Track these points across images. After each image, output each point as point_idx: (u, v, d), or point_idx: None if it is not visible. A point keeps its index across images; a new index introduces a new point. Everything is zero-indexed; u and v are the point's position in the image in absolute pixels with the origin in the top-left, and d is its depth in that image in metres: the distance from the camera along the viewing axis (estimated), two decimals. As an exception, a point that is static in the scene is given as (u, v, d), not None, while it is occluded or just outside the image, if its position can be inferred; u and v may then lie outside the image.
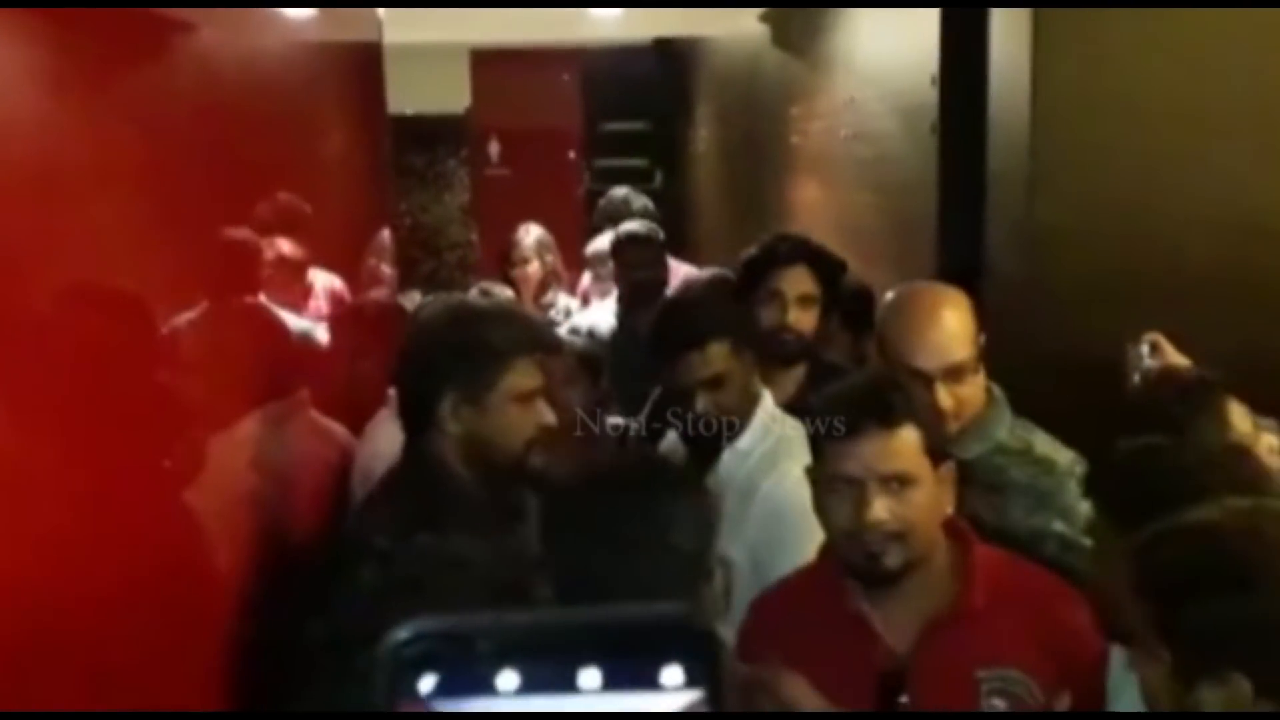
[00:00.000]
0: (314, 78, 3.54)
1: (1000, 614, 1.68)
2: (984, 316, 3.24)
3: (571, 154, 9.65)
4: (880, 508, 1.65)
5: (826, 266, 2.85)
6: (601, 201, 5.48)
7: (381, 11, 4.23)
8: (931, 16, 3.50)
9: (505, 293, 4.04)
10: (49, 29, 1.58)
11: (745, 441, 2.37)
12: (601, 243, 4.60)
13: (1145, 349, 2.41)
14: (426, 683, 0.54)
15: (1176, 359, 2.36)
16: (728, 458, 2.36)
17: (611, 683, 0.54)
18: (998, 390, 2.26)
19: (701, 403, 2.33)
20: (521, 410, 2.00)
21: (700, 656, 0.55)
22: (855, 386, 1.81)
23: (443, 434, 1.97)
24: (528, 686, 0.54)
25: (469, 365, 1.97)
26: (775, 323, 2.73)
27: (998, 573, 1.72)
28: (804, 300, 2.76)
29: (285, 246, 3.03)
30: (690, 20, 6.49)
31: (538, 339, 2.10)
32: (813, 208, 5.14)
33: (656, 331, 2.44)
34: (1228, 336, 2.72)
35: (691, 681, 0.55)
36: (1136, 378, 2.38)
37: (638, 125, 8.97)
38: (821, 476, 1.73)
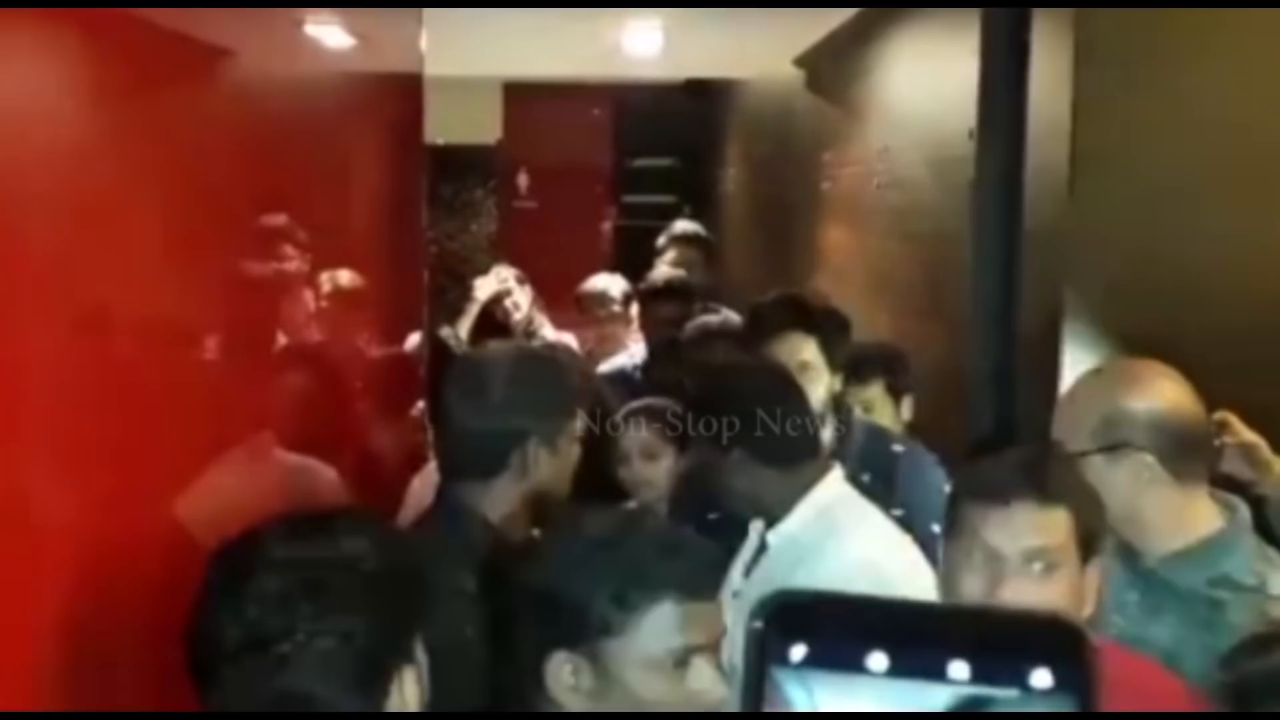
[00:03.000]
0: (353, 108, 3.57)
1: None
2: (1018, 371, 3.28)
3: (599, 189, 9.69)
4: (1016, 588, 1.51)
5: (822, 328, 2.72)
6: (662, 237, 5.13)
7: (423, 43, 4.27)
8: (970, 68, 3.50)
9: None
10: (84, 52, 1.58)
11: (791, 525, 2.14)
12: (600, 281, 4.42)
13: (1214, 429, 2.25)
14: (797, 651, 0.55)
15: (1250, 436, 2.25)
16: (772, 542, 2.15)
17: (980, 677, 0.54)
18: (1242, 508, 1.93)
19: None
20: (571, 454, 2.02)
21: (1072, 661, 0.54)
22: (1011, 455, 1.65)
23: (517, 480, 1.94)
24: (896, 669, 0.54)
25: (552, 411, 1.97)
26: None
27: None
28: (802, 368, 2.61)
29: (344, 278, 3.02)
30: (726, 61, 6.53)
31: (588, 387, 2.15)
32: (842, 254, 5.13)
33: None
34: (1263, 387, 2.71)
35: (1060, 685, 0.54)
36: None
37: (667, 162, 9.01)
38: (958, 544, 1.59)
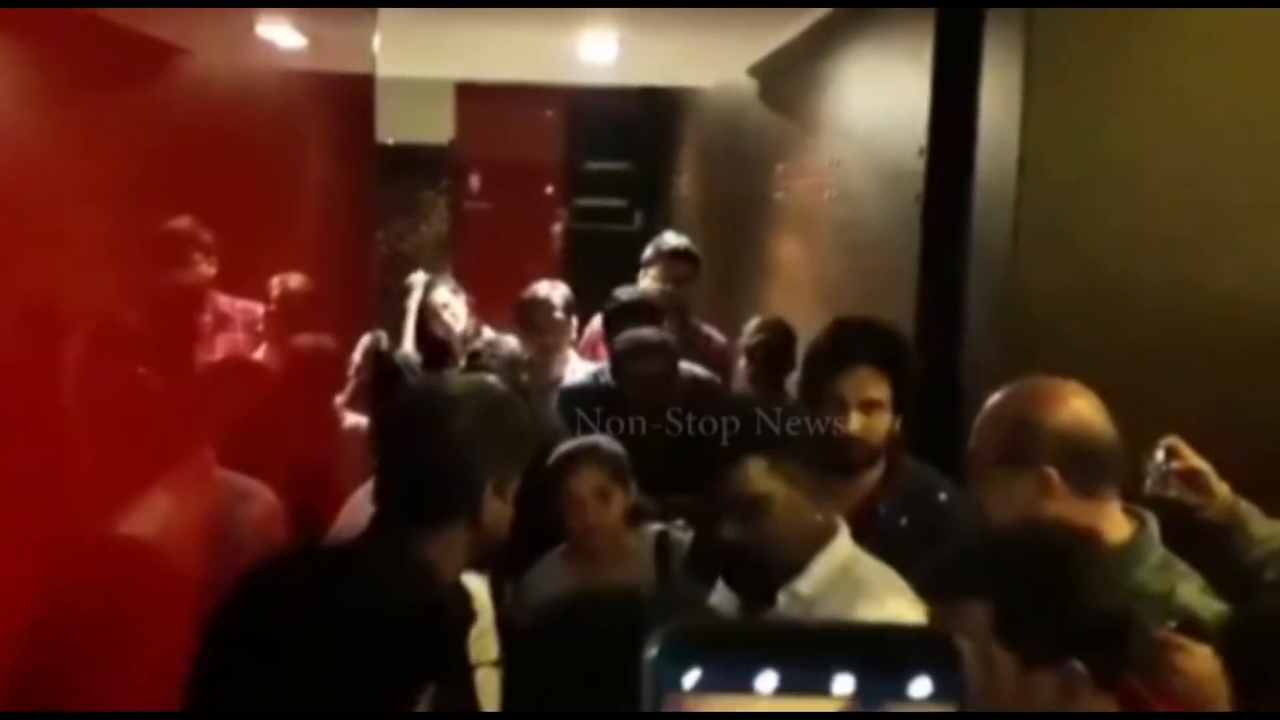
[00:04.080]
0: (303, 107, 3.54)
1: None
2: (962, 388, 3.32)
3: (551, 190, 9.69)
4: None
5: (899, 365, 2.49)
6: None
7: (376, 43, 4.24)
8: (922, 86, 3.55)
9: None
10: (31, 45, 1.55)
11: (806, 585, 1.95)
12: (542, 289, 4.22)
13: (1161, 455, 2.31)
14: (690, 678, 0.58)
15: (1196, 463, 2.28)
16: (783, 603, 1.94)
17: (864, 689, 0.58)
18: (1150, 518, 1.96)
19: (730, 528, 1.95)
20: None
21: (949, 670, 0.58)
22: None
23: (467, 528, 1.82)
24: (784, 688, 0.58)
25: (510, 457, 1.85)
26: (836, 430, 2.39)
27: None
28: (868, 406, 2.42)
29: (293, 281, 2.94)
30: (682, 69, 6.55)
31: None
32: (793, 264, 5.17)
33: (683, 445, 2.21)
34: (1204, 405, 2.78)
35: (939, 693, 0.58)
36: (1151, 484, 2.31)
37: (620, 165, 9.02)
38: None
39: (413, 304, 4.59)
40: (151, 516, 1.92)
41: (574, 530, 2.73)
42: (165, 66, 2.14)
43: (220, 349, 2.80)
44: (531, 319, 4.15)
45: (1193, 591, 1.86)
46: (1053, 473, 1.87)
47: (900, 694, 0.58)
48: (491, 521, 1.83)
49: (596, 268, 6.19)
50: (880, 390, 2.44)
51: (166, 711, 1.49)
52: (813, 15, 4.63)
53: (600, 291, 4.35)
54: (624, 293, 4.11)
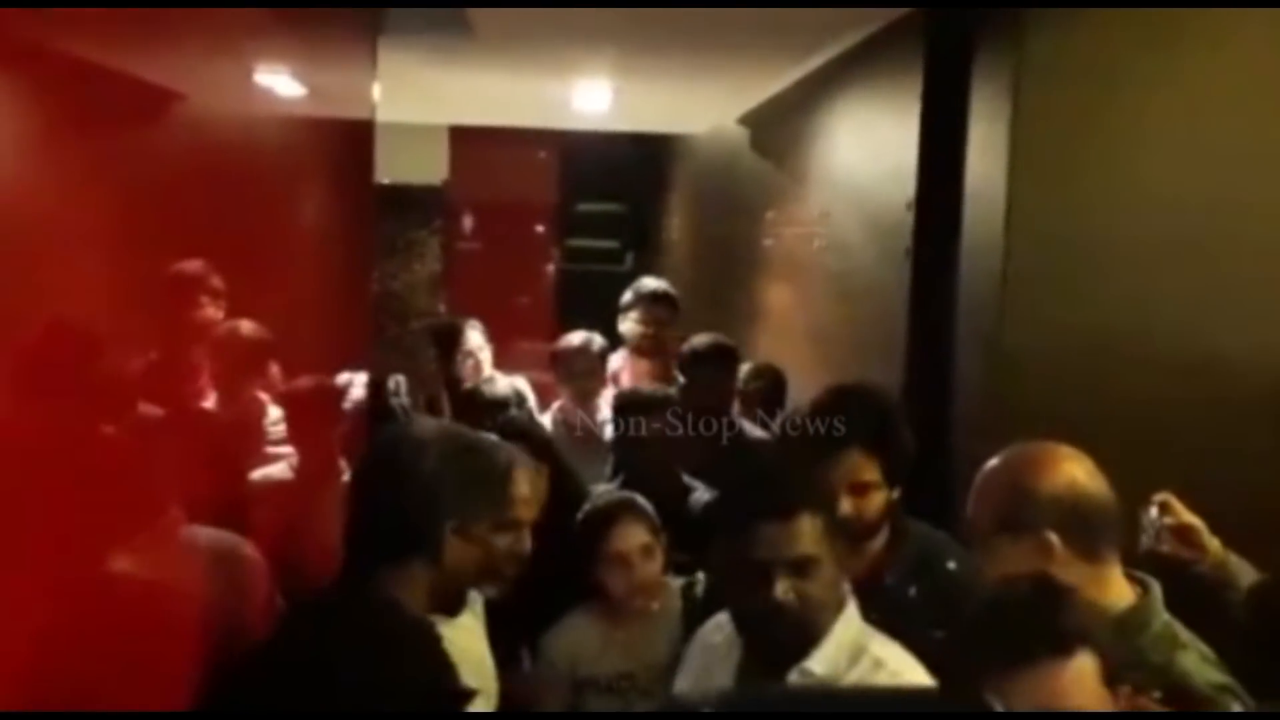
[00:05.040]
0: (304, 153, 3.59)
1: None
2: (951, 438, 3.36)
3: (543, 231, 9.74)
4: None
5: (888, 446, 2.39)
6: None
7: (376, 91, 4.31)
8: (910, 140, 3.61)
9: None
10: (30, 93, 1.57)
11: (819, 665, 1.94)
12: (577, 338, 4.31)
13: (1155, 511, 2.34)
14: None
15: (1188, 518, 2.32)
16: (795, 680, 1.93)
17: None
18: (1154, 585, 1.95)
19: (782, 587, 1.92)
20: (492, 545, 1.95)
21: None
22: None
23: (427, 566, 1.86)
24: None
25: (473, 499, 1.89)
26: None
27: None
28: (859, 488, 2.35)
29: (245, 327, 2.89)
30: (675, 117, 6.63)
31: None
32: (782, 310, 5.23)
33: (730, 494, 2.13)
34: (1194, 459, 2.81)
35: None
36: (1145, 539, 2.34)
37: (612, 207, 9.10)
38: None
39: (473, 343, 4.69)
40: (112, 586, 1.83)
41: (615, 588, 2.63)
42: (165, 111, 2.17)
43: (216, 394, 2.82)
44: (568, 368, 4.23)
45: (1193, 660, 1.84)
46: (1053, 538, 1.88)
47: None
48: (454, 563, 1.86)
49: (587, 307, 6.24)
50: (871, 473, 2.36)
51: (167, 711, 1.51)
52: (803, 67, 4.71)
53: (591, 328, 4.40)
54: (700, 340, 3.95)
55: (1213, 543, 2.31)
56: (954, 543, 2.48)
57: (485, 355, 4.76)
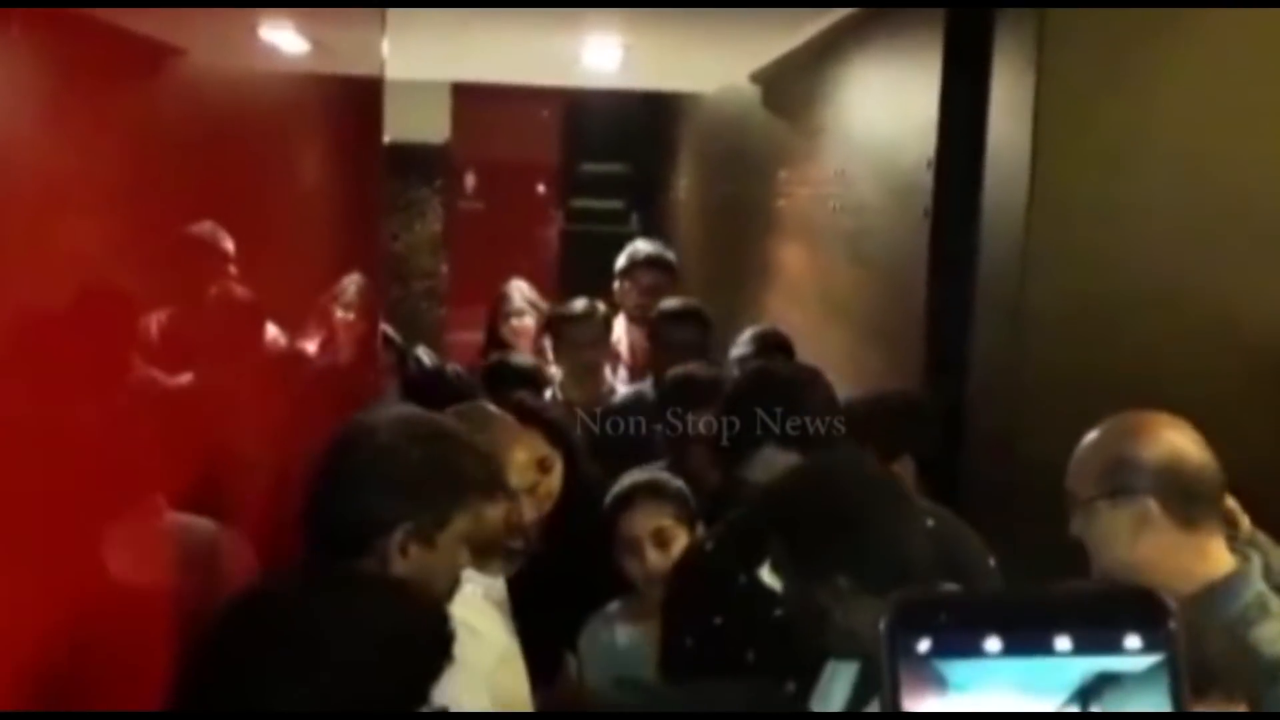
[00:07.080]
0: (312, 110, 3.53)
1: None
2: (970, 403, 3.32)
3: (546, 191, 9.67)
4: None
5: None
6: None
7: (385, 47, 4.23)
8: (930, 97, 3.55)
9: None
10: (29, 51, 1.50)
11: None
12: (580, 305, 4.06)
13: None
14: (923, 644, 0.64)
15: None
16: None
17: (1081, 646, 0.64)
18: (1256, 557, 1.94)
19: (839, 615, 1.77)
20: (457, 554, 1.74)
21: (1158, 625, 0.64)
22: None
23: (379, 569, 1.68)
24: (1010, 649, 0.64)
25: (434, 501, 1.69)
26: None
27: None
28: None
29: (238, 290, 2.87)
30: (686, 75, 6.53)
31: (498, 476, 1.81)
32: (795, 273, 5.17)
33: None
34: (1219, 425, 2.77)
35: (1149, 646, 0.64)
36: None
37: (617, 167, 9.01)
38: None
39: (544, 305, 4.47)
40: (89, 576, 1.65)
41: (631, 576, 2.48)
42: (168, 68, 2.11)
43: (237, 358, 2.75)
44: (569, 337, 3.96)
45: (1275, 631, 1.81)
46: (1153, 504, 1.89)
47: (1115, 648, 0.64)
48: (410, 569, 1.66)
49: (590, 268, 6.19)
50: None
51: (166, 711, 1.47)
52: (818, 23, 4.62)
53: (594, 293, 4.33)
54: (669, 303, 3.96)
55: (1243, 519, 2.27)
56: (972, 533, 2.41)
57: (529, 320, 4.45)
